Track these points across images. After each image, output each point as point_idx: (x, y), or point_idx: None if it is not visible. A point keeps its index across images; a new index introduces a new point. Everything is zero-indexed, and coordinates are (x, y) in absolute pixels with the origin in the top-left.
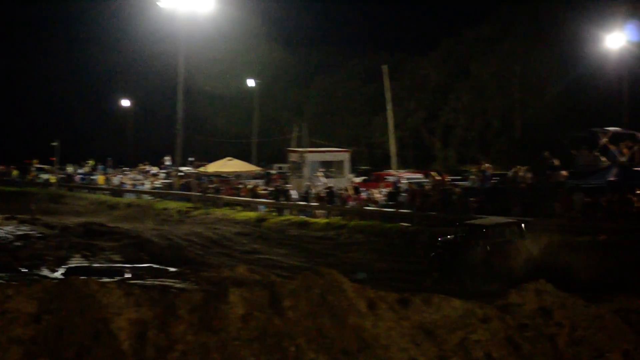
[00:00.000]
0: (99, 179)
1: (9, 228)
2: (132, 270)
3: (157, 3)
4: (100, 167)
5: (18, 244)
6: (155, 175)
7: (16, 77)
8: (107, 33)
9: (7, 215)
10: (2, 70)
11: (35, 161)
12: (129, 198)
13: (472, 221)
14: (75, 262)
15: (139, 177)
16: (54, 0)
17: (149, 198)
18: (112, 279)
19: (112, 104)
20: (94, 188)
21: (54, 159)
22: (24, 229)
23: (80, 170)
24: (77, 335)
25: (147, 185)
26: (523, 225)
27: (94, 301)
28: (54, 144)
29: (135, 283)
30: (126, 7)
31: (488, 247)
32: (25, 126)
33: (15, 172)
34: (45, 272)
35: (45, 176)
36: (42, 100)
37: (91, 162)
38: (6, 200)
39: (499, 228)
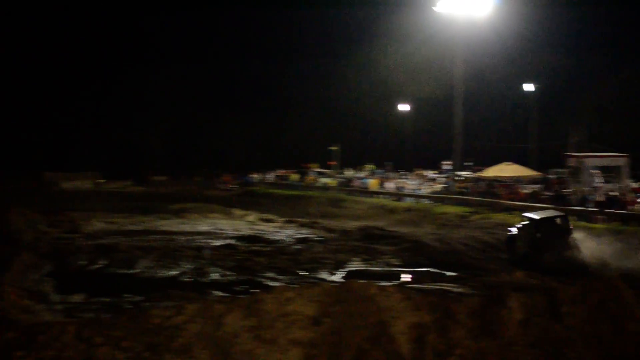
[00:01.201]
0: (371, 183)
1: (289, 231)
2: (410, 274)
3: (434, 8)
4: (379, 171)
5: (298, 247)
6: (433, 179)
7: (297, 83)
8: (385, 38)
9: (287, 219)
10: (283, 76)
11: (314, 165)
12: (408, 202)
13: (529, 214)
14: (354, 265)
15: (418, 181)
16: (329, 5)
17: (428, 202)
18: (390, 283)
19: (391, 108)
20: (372, 192)
21: (333, 162)
22: (303, 233)
23: (359, 175)
24: (356, 338)
25: (425, 190)
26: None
27: (374, 304)
28: (334, 148)
29: (414, 287)
30: (403, 12)
31: (538, 235)
32: (304, 131)
33: (294, 176)
34: (324, 275)
35: (324, 180)
36: (321, 105)
37: (371, 167)
38: (286, 204)
39: (549, 220)
